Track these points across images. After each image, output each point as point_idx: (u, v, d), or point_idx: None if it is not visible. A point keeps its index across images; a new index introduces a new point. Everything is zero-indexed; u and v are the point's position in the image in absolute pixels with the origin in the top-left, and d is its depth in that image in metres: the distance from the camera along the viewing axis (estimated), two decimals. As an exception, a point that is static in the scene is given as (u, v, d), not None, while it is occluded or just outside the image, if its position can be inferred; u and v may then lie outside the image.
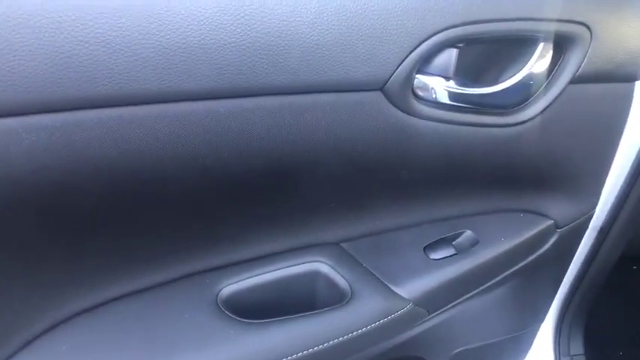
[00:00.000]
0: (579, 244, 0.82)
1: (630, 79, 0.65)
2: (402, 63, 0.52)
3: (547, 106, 0.61)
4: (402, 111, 0.55)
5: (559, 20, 0.59)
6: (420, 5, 0.52)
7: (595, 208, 0.77)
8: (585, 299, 0.94)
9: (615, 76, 0.64)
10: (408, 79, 0.54)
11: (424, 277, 0.64)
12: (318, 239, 0.65)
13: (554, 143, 0.66)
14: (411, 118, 0.56)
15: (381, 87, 0.53)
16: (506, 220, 0.72)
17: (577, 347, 1.02)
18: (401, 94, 0.54)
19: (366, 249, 0.66)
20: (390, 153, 0.58)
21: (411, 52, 0.52)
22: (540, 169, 0.69)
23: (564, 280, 0.90)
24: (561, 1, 0.59)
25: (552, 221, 0.74)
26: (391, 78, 0.53)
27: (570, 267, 0.88)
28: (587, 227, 0.81)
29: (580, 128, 0.66)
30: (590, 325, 1.03)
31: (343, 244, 0.66)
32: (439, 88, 0.58)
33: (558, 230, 0.75)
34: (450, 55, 0.56)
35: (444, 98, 0.58)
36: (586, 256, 0.87)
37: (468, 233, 0.70)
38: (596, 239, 0.84)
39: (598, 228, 0.83)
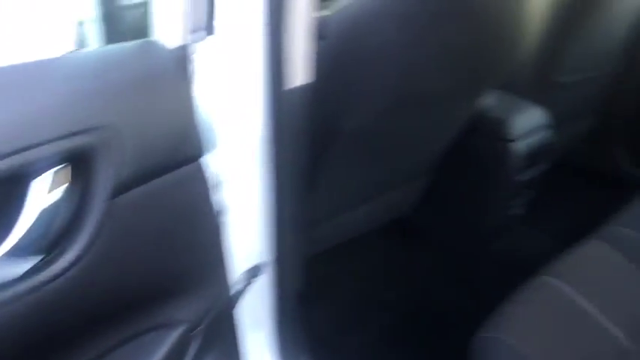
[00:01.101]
0: (235, 317, 0.81)
1: (188, 162, 0.61)
2: None
3: (95, 234, 0.52)
4: None
5: (63, 138, 0.49)
6: None
7: (229, 290, 0.75)
8: (285, 330, 0.99)
9: (167, 168, 0.59)
10: None
11: None
12: None
13: (133, 261, 0.58)
14: None
15: None
16: (142, 345, 0.65)
17: None
18: None
19: None
20: None
21: None
22: (139, 290, 0.61)
23: (265, 317, 0.93)
24: (57, 117, 0.49)
25: (188, 324, 0.68)
26: None
27: (261, 304, 0.91)
28: (241, 296, 0.81)
29: (155, 232, 0.60)
30: (308, 340, 1.07)
31: None
32: None
33: (198, 329, 0.70)
34: None
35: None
36: (268, 296, 0.91)
37: None
38: (269, 279, 0.89)
39: (267, 268, 0.87)
